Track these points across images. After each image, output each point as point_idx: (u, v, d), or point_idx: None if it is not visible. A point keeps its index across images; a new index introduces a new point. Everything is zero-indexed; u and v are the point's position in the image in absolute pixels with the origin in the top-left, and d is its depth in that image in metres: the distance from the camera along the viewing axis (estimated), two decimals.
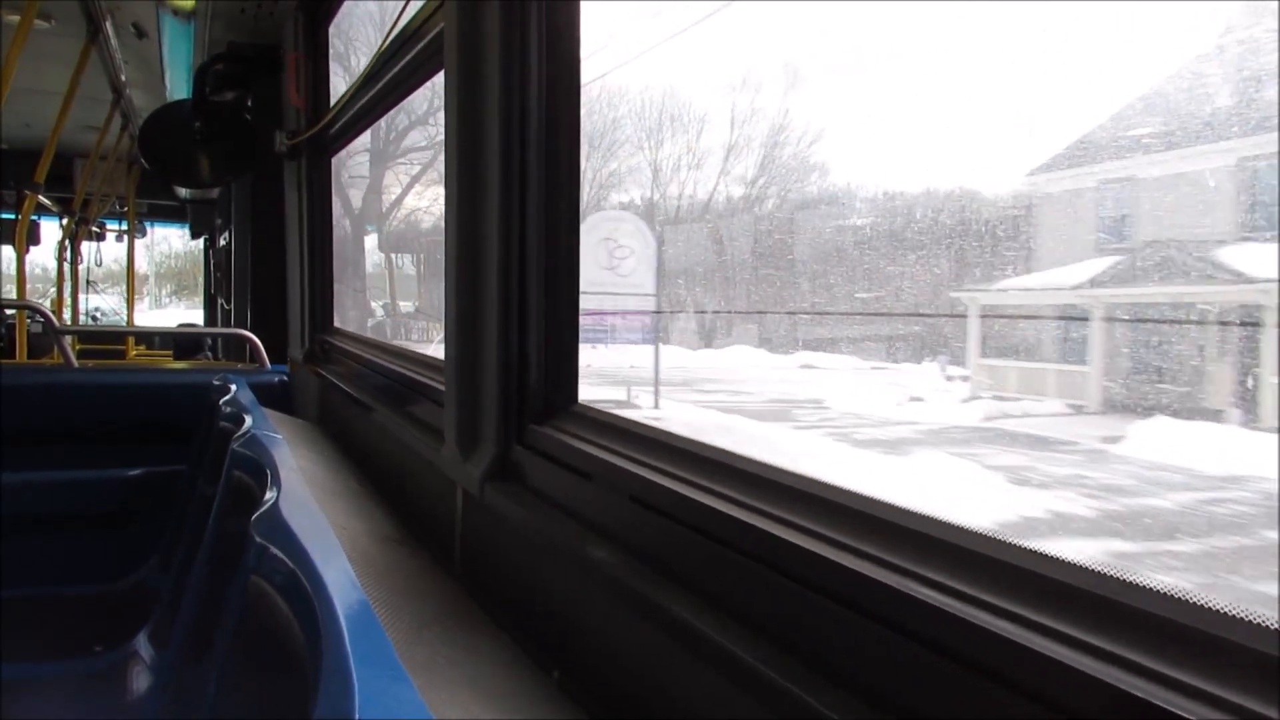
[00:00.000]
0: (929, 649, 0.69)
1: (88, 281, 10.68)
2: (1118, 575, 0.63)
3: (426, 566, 1.66)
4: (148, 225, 10.92)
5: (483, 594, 1.51)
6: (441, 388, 1.66)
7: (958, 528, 0.75)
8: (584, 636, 1.19)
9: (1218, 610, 0.57)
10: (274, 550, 1.08)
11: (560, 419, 1.40)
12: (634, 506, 1.10)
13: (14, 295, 5.71)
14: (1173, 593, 0.59)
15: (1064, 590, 0.64)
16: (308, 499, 1.37)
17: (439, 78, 1.68)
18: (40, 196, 5.05)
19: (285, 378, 3.53)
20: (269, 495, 1.36)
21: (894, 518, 0.80)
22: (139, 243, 10.57)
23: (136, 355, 8.41)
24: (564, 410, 1.42)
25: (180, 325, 11.27)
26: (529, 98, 1.40)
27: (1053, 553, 0.67)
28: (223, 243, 7.86)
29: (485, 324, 1.46)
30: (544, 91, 1.39)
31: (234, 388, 2.73)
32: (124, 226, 9.96)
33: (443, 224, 1.57)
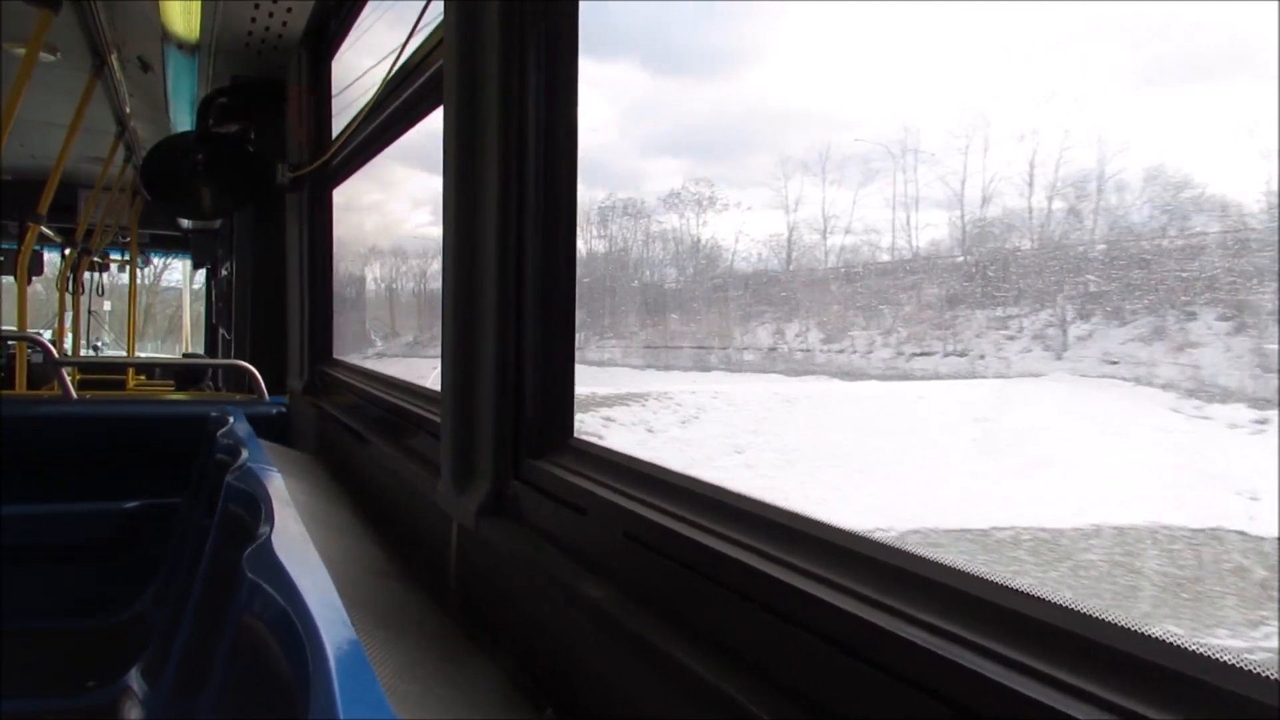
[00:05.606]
0: (928, 694, 0.68)
1: (89, 312, 10.68)
2: (1099, 616, 0.62)
3: (421, 601, 1.64)
4: (150, 255, 10.95)
5: (477, 629, 1.50)
6: (438, 420, 1.66)
7: (953, 569, 0.74)
8: (578, 674, 1.18)
9: (1203, 654, 0.56)
10: (266, 587, 1.07)
11: (556, 453, 1.40)
12: (628, 543, 1.09)
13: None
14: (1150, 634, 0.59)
15: (1051, 631, 0.64)
16: (301, 534, 1.36)
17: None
18: (43, 227, 5.07)
19: (284, 409, 3.52)
20: (262, 530, 1.35)
21: (889, 558, 0.79)
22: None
23: (137, 386, 8.39)
24: (560, 444, 1.42)
25: (182, 355, 11.28)
26: (527, 133, 1.41)
27: (1045, 595, 0.67)
28: (224, 273, 7.88)
29: (482, 357, 1.46)
30: (542, 127, 1.40)
31: (232, 419, 2.72)
32: (126, 257, 9.98)
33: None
